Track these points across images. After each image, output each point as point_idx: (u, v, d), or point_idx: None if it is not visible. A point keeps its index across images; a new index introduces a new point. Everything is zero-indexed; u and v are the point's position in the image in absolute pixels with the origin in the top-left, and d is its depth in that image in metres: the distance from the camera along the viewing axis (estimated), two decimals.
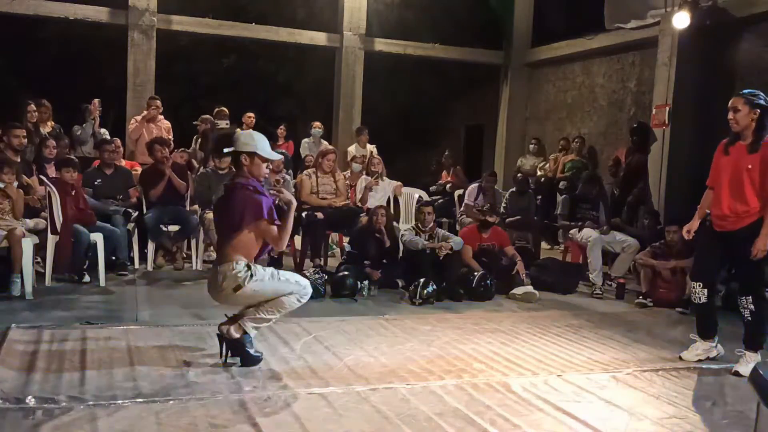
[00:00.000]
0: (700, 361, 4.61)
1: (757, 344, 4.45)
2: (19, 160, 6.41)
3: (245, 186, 3.98)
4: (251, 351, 4.03)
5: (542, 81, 12.03)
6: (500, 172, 11.21)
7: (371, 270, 6.57)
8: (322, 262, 7.28)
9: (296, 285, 4.02)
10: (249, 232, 3.97)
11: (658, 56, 8.95)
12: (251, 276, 3.90)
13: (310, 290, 4.08)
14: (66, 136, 8.07)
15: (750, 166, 4.37)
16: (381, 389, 3.75)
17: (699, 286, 4.60)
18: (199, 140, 8.90)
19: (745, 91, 4.47)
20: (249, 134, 4.15)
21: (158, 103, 8.63)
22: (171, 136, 8.49)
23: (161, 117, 8.70)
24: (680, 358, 4.68)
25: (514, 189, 8.82)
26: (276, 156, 4.32)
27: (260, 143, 4.06)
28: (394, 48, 11.55)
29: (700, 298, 4.61)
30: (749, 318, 4.43)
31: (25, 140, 6.55)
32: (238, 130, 4.15)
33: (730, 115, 4.43)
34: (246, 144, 4.02)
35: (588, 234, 7.28)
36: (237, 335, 3.97)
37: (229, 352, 4.06)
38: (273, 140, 10.77)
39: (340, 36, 11.04)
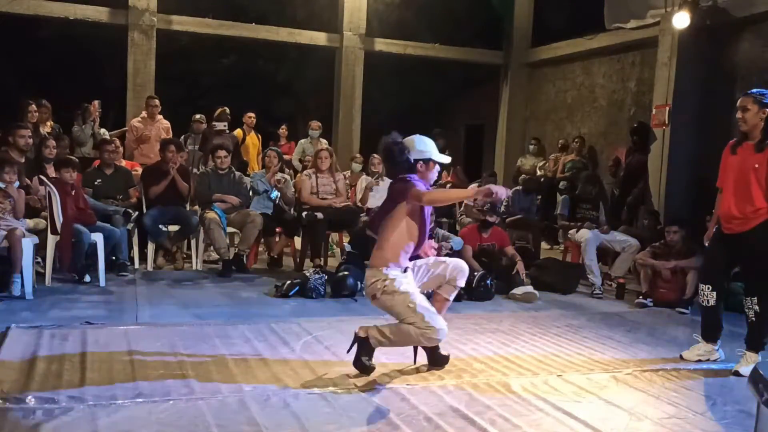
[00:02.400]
0: (700, 361, 4.61)
1: (759, 345, 4.44)
2: (23, 160, 6.42)
3: (410, 179, 3.92)
4: (364, 359, 3.91)
5: (542, 81, 12.03)
6: (500, 172, 11.22)
7: None
8: (322, 262, 7.28)
9: (417, 316, 3.80)
10: (401, 221, 3.89)
11: (658, 56, 8.95)
12: (387, 289, 3.87)
13: (436, 330, 3.81)
14: (66, 136, 8.07)
15: (757, 165, 4.33)
16: (381, 389, 3.74)
17: (708, 288, 4.57)
18: (197, 140, 8.88)
19: (754, 90, 4.44)
20: (422, 140, 4.08)
21: (156, 102, 8.63)
22: (170, 136, 8.48)
23: (161, 117, 8.70)
24: (681, 356, 4.68)
25: (519, 187, 8.80)
26: (447, 159, 4.19)
27: (434, 149, 4.05)
28: (394, 48, 11.55)
29: (708, 300, 4.58)
30: (753, 319, 4.41)
31: (30, 140, 6.56)
32: (407, 138, 4.09)
33: (739, 114, 4.39)
34: (423, 152, 4.00)
35: (582, 234, 7.27)
36: (360, 334, 3.95)
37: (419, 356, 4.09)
38: (274, 140, 10.82)
39: (340, 36, 11.04)
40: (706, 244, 4.77)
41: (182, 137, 8.83)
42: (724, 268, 4.66)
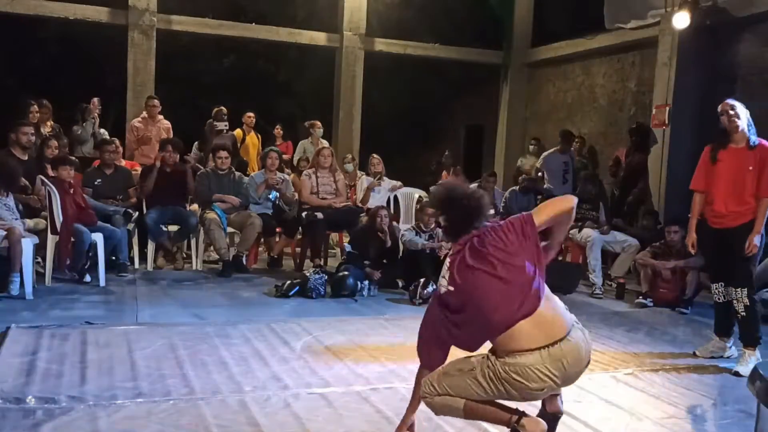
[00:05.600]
0: (713, 358, 4.67)
1: (753, 339, 4.47)
2: (26, 158, 6.42)
3: None
4: None
5: (542, 81, 12.02)
6: (500, 172, 11.20)
7: (371, 270, 6.57)
8: (322, 262, 7.28)
9: None
10: None
11: (658, 56, 8.94)
12: None
13: None
14: (66, 136, 8.06)
15: (750, 168, 4.43)
16: (381, 389, 3.75)
17: (721, 286, 4.66)
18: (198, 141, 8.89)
19: (728, 100, 4.62)
20: None
21: (156, 102, 8.62)
22: (171, 136, 8.47)
23: (161, 117, 8.69)
24: (695, 353, 4.75)
25: (516, 187, 8.79)
26: None
27: None
28: (394, 48, 11.54)
29: (721, 297, 4.66)
30: (744, 313, 4.47)
31: (33, 138, 6.56)
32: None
33: (725, 118, 4.51)
34: None
35: (587, 234, 7.28)
36: None
37: None
38: (270, 140, 10.82)
39: (340, 36, 11.03)
40: (691, 250, 4.82)
41: (196, 143, 8.87)
42: (727, 263, 4.67)
